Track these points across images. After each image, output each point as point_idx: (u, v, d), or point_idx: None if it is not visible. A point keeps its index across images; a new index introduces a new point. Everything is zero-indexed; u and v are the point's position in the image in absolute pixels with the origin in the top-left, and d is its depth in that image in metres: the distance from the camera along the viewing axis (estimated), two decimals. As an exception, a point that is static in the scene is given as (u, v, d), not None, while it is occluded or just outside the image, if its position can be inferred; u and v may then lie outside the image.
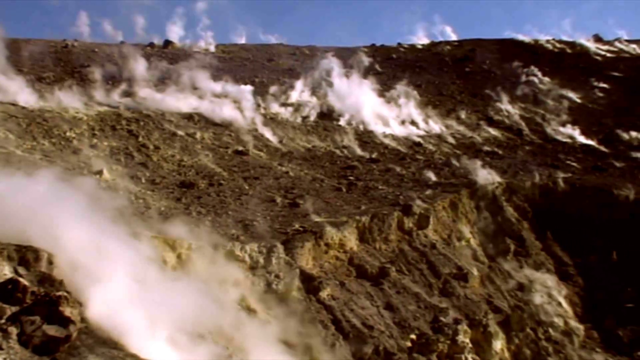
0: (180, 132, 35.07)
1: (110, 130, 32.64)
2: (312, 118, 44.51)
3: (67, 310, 10.62)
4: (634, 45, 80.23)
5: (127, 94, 39.08)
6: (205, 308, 15.55)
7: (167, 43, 58.72)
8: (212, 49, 61.28)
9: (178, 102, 39.92)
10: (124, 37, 63.72)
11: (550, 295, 27.20)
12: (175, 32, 62.55)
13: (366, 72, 55.06)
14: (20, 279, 10.93)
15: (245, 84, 45.97)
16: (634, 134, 47.69)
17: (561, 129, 49.24)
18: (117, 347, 11.04)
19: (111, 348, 10.88)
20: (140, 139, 32.46)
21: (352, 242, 24.60)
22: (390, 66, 63.84)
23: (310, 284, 21.27)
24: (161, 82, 42.66)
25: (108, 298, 11.93)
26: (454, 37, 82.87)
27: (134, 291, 12.98)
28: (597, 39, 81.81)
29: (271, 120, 42.34)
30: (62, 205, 13.58)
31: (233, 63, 55.44)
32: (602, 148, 45.01)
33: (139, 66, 44.41)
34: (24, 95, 33.41)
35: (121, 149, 30.78)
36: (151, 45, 57.52)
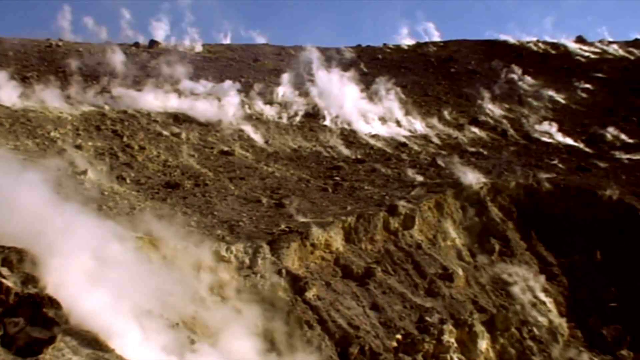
0: (165, 133, 34.95)
1: (95, 131, 32.47)
2: (298, 118, 44.47)
3: (51, 312, 10.56)
4: (615, 46, 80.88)
5: (112, 94, 38.84)
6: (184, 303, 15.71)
7: (153, 43, 58.43)
8: (198, 48, 61.11)
9: (163, 102, 39.79)
10: (108, 36, 63.25)
11: (535, 294, 27.34)
12: (160, 30, 62.23)
13: (352, 73, 55.05)
14: (4, 280, 10.84)
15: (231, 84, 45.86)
16: (617, 134, 48.10)
17: (545, 129, 49.51)
18: (101, 349, 11.00)
19: (95, 349, 10.84)
20: (125, 139, 32.30)
21: (338, 243, 24.61)
22: (376, 67, 63.95)
23: (296, 284, 21.25)
24: (146, 82, 42.43)
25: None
26: (436, 35, 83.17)
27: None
28: (580, 40, 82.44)
29: (257, 120, 42.27)
30: (49, 206, 13.62)
31: (219, 63, 55.31)
32: (586, 149, 45.33)
33: (124, 66, 44.19)
34: (7, 94, 33.17)
35: (106, 149, 30.62)
36: (136, 44, 57.24)
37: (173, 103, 40.35)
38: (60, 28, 57.19)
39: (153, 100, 39.45)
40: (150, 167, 29.95)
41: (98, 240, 14.12)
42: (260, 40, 72.29)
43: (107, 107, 36.18)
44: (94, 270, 12.96)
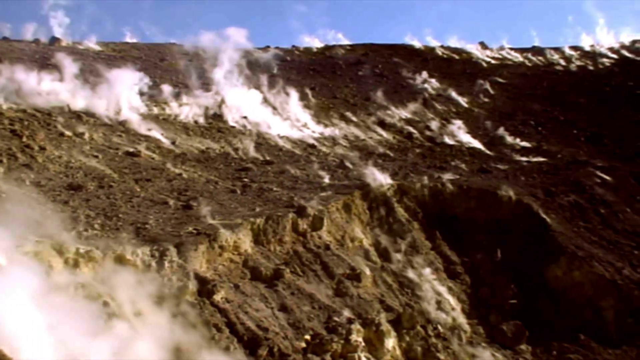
0: (67, 132, 33.81)
1: (-9, 130, 31.09)
2: (206, 119, 44.03)
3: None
4: (515, 53, 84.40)
5: (10, 91, 37.22)
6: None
7: (54, 40, 56.59)
8: (96, 46, 59.61)
9: (65, 101, 38.49)
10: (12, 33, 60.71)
11: (439, 293, 28.01)
12: (58, 26, 60.21)
13: (261, 74, 55.04)
14: None
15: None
16: (515, 137, 50.16)
17: (449, 132, 50.98)
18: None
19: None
20: (25, 139, 31.04)
21: (246, 244, 24.47)
22: (285, 68, 64.22)
23: (204, 287, 20.97)
24: (48, 80, 40.90)
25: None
26: (345, 40, 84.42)
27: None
28: (483, 46, 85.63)
29: (164, 121, 41.58)
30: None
31: (124, 62, 54.03)
32: (487, 151, 46.97)
33: (24, 63, 42.50)
34: None
35: (3, 150, 29.31)
36: (36, 42, 55.27)
37: (76, 102, 39.13)
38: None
39: (54, 99, 38.12)
40: (51, 169, 28.87)
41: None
42: (169, 39, 71.34)
43: (4, 106, 34.69)
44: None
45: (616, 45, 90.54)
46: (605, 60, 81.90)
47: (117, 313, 17.24)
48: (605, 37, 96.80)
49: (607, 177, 38.57)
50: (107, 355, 14.31)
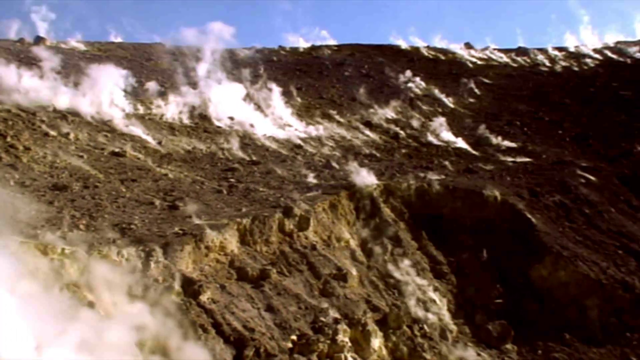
0: (52, 132, 33.58)
1: (-25, 130, 30.83)
2: (192, 119, 43.89)
3: None
4: (500, 54, 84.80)
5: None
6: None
7: (39, 39, 56.22)
8: (82, 46, 59.27)
9: (50, 100, 38.22)
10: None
11: (425, 293, 28.09)
12: (42, 20, 59.82)
13: (247, 74, 54.96)
14: None
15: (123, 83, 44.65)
16: (501, 138, 50.38)
17: (435, 132, 51.13)
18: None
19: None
20: (9, 139, 30.79)
21: (232, 245, 24.42)
22: (271, 69, 64.13)
23: (190, 287, 20.91)
24: (32, 79, 40.59)
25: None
26: (330, 39, 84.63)
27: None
28: (468, 46, 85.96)
29: (150, 121, 41.39)
30: None
31: (109, 61, 53.72)
32: (473, 151, 47.16)
33: (8, 62, 42.15)
34: None
35: (-13, 150, 29.11)
36: (21, 41, 54.87)
37: (61, 102, 38.85)
38: None
39: (40, 98, 37.85)
40: (36, 169, 28.67)
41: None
42: (153, 36, 71.25)
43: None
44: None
45: (600, 46, 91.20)
46: (589, 61, 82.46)
47: (101, 312, 17.16)
48: (589, 37, 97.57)
49: (592, 178, 38.86)
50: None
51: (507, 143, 49.71)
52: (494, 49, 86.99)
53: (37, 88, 39.17)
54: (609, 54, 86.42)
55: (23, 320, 13.20)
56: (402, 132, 51.23)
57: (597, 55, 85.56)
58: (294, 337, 20.93)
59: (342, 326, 21.94)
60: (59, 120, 35.96)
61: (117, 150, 34.05)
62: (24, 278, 14.98)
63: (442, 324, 26.77)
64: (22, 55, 47.54)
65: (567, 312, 28.31)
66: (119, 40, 70.46)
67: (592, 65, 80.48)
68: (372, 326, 23.06)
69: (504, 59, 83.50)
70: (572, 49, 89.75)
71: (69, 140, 33.57)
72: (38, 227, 20.64)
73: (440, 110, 58.80)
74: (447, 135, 50.43)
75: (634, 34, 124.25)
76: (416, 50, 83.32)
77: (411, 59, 77.25)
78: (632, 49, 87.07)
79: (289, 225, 27.23)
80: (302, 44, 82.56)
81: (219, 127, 44.11)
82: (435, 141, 49.37)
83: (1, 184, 25.28)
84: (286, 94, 53.89)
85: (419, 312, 26.36)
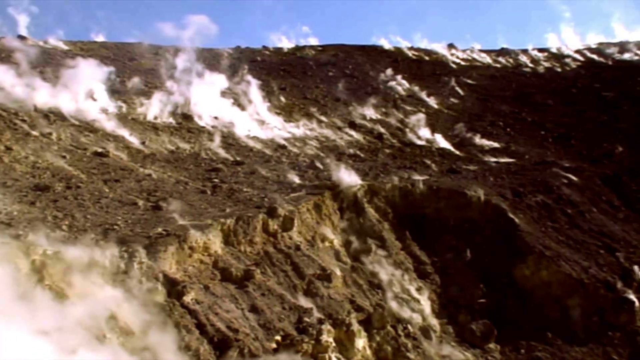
0: (34, 132, 33.24)
1: (-44, 130, 30.49)
2: (175, 119, 43.71)
3: None
4: (484, 54, 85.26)
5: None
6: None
7: (20, 38, 55.75)
8: (64, 45, 58.84)
9: (31, 99, 37.84)
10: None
11: (409, 293, 28.17)
12: (24, 12, 59.38)
13: (230, 74, 54.82)
14: None
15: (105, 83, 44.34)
16: (485, 139, 50.65)
17: (419, 133, 51.31)
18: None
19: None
20: (-10, 139, 30.50)
21: (216, 245, 24.32)
22: (255, 69, 64.01)
23: (173, 288, 20.79)
24: (13, 78, 40.18)
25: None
26: (313, 38, 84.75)
27: None
28: (452, 47, 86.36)
29: (133, 120, 41.13)
30: None
31: (92, 61, 53.35)
32: (457, 151, 47.36)
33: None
34: None
35: (-32, 150, 28.80)
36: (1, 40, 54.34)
37: (43, 101, 38.48)
38: None
39: (20, 97, 37.47)
40: (17, 169, 28.37)
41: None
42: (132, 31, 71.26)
43: (-31, 105, 34.08)
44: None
45: (582, 47, 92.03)
46: (571, 62, 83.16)
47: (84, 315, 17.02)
48: (571, 38, 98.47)
49: (574, 178, 39.13)
50: None
51: (490, 143, 50.03)
52: (478, 50, 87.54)
53: (18, 87, 38.76)
54: (590, 55, 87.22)
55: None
56: (386, 132, 51.35)
57: (578, 57, 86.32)
58: (278, 338, 20.88)
59: (326, 326, 21.91)
60: (41, 119, 35.61)
61: (99, 150, 33.77)
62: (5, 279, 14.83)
63: (426, 323, 26.88)
64: (3, 55, 47.08)
65: (550, 311, 28.53)
66: (100, 38, 70.17)
67: (574, 66, 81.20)
68: (356, 326, 23.06)
69: (487, 59, 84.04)
70: (554, 50, 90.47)
71: (51, 140, 33.26)
72: (20, 228, 20.45)
73: (423, 110, 58.99)
74: (431, 136, 50.64)
75: (612, 33, 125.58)
76: (400, 51, 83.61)
77: (395, 59, 77.48)
78: (612, 50, 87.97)
79: (273, 225, 27.17)
80: (286, 43, 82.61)
81: (202, 127, 43.94)
82: (419, 141, 49.55)
83: (-18, 184, 25.03)
84: (270, 94, 53.85)
85: (403, 312, 26.41)
